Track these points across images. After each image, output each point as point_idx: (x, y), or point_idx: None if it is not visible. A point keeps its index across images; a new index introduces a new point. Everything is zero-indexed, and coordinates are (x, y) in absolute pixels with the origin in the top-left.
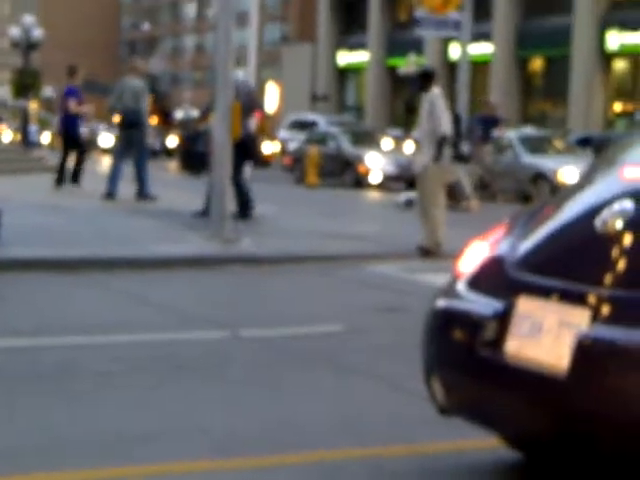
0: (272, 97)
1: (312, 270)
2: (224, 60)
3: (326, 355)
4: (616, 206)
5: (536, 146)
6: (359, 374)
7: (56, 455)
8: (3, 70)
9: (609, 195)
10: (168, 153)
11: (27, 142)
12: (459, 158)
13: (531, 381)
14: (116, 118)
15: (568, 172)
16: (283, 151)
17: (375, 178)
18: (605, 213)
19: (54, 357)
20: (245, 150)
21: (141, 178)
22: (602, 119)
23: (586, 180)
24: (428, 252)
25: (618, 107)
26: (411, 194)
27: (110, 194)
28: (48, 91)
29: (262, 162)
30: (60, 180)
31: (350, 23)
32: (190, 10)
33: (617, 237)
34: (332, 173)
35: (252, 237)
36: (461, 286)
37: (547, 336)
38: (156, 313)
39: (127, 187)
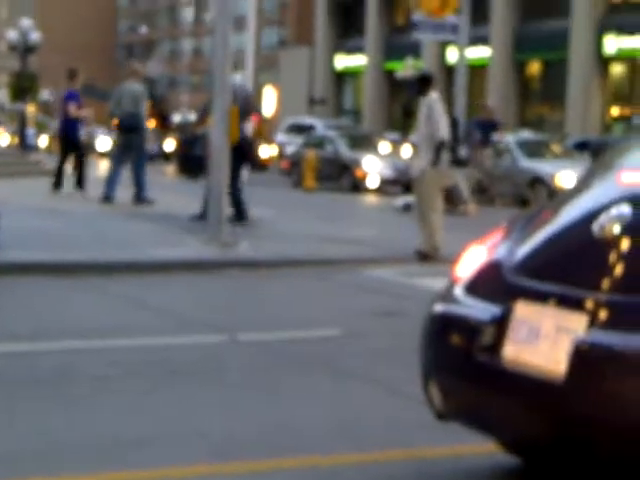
0: (270, 101)
1: (310, 274)
2: (222, 64)
3: (323, 359)
4: (613, 211)
5: (533, 150)
6: (356, 378)
7: (54, 460)
8: (0, 73)
9: (606, 200)
10: (166, 157)
11: (24, 145)
12: (457, 162)
13: (529, 386)
14: (115, 122)
15: (565, 176)
16: (281, 155)
17: (372, 182)
18: (603, 218)
19: (52, 361)
20: (242, 154)
21: (139, 182)
22: (599, 123)
23: (583, 185)
24: (426, 256)
25: (615, 111)
26: (409, 198)
27: (107, 198)
28: (45, 94)
29: (260, 166)
30: (58, 184)
31: (347, 27)
32: (188, 14)
33: (614, 242)
34: (330, 177)
35: (250, 241)
36: (459, 291)
37: (545, 341)
38: (154, 317)
39: (125, 191)
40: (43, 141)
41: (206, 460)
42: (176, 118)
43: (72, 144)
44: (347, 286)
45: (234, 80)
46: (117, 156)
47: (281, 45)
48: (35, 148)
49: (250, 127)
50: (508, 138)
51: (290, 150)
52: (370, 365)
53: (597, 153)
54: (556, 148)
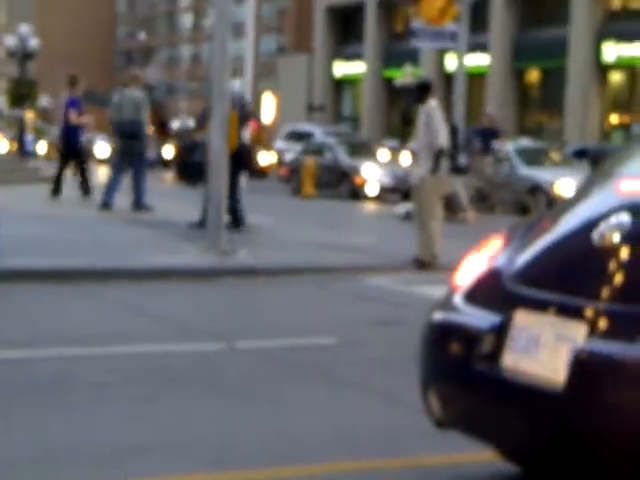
0: (268, 108)
1: (308, 282)
2: (220, 70)
3: (321, 368)
4: (613, 219)
5: (533, 158)
6: (353, 387)
7: (51, 467)
8: None
9: (606, 208)
10: (164, 163)
11: (23, 152)
12: (456, 170)
13: (528, 395)
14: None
15: (564, 184)
16: (280, 162)
17: (371, 189)
18: (602, 226)
19: (49, 368)
20: (240, 161)
21: (138, 189)
22: (598, 131)
23: (583, 193)
24: (425, 264)
25: (614, 119)
26: (409, 206)
27: (106, 204)
28: (44, 101)
29: (258, 173)
30: (56, 190)
31: (346, 34)
32: (186, 20)
33: (614, 251)
34: (328, 184)
35: (248, 248)
36: (458, 299)
37: (544, 350)
38: (153, 324)
39: (123, 197)
40: (42, 147)
41: (205, 468)
42: (175, 125)
43: (73, 151)
44: (345, 294)
45: (233, 87)
46: (117, 164)
47: (280, 52)
48: (33, 154)
49: (247, 134)
50: (507, 146)
51: (289, 157)
52: (367, 374)
53: (596, 161)
54: (555, 156)
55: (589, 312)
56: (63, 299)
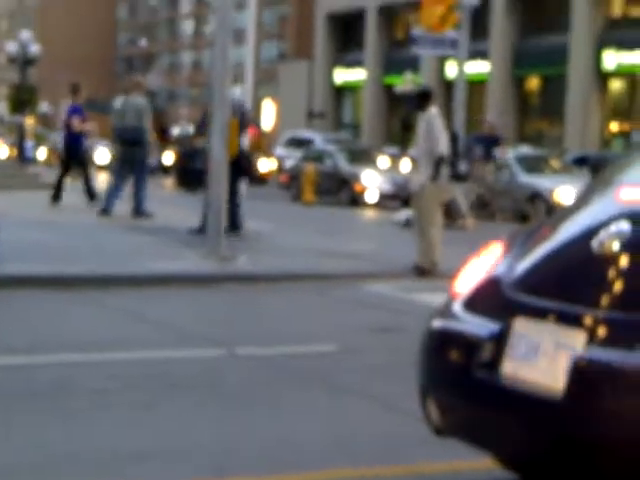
0: (269, 114)
1: (308, 288)
2: (221, 77)
3: (321, 374)
4: (613, 227)
5: (533, 165)
6: (353, 394)
7: (51, 473)
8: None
9: (606, 216)
10: (164, 170)
11: (23, 158)
12: (456, 177)
13: (527, 403)
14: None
15: (564, 192)
16: (280, 169)
17: (371, 196)
18: (602, 234)
19: (49, 375)
20: (239, 167)
21: (139, 196)
22: (598, 139)
23: (583, 201)
24: (424, 271)
25: (615, 127)
26: (410, 213)
27: (105, 211)
28: (44, 107)
29: (258, 180)
30: (56, 196)
31: (347, 41)
32: (187, 27)
33: (614, 259)
34: (328, 191)
35: (248, 255)
36: (457, 306)
37: (543, 358)
38: (153, 331)
39: (123, 204)
40: (42, 154)
41: (205, 475)
42: (175, 131)
43: (75, 158)
44: (345, 301)
45: (233, 94)
46: (118, 170)
47: (280, 59)
48: (33, 160)
49: (246, 140)
50: (507, 153)
51: (289, 164)
52: (366, 381)
53: (596, 168)
54: (555, 163)
55: (588, 320)
56: (63, 305)
